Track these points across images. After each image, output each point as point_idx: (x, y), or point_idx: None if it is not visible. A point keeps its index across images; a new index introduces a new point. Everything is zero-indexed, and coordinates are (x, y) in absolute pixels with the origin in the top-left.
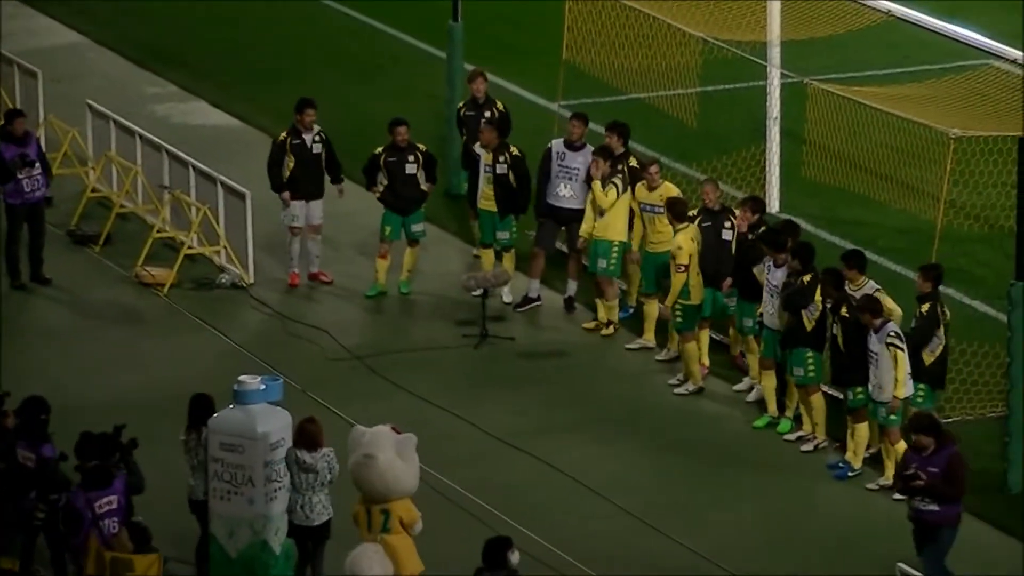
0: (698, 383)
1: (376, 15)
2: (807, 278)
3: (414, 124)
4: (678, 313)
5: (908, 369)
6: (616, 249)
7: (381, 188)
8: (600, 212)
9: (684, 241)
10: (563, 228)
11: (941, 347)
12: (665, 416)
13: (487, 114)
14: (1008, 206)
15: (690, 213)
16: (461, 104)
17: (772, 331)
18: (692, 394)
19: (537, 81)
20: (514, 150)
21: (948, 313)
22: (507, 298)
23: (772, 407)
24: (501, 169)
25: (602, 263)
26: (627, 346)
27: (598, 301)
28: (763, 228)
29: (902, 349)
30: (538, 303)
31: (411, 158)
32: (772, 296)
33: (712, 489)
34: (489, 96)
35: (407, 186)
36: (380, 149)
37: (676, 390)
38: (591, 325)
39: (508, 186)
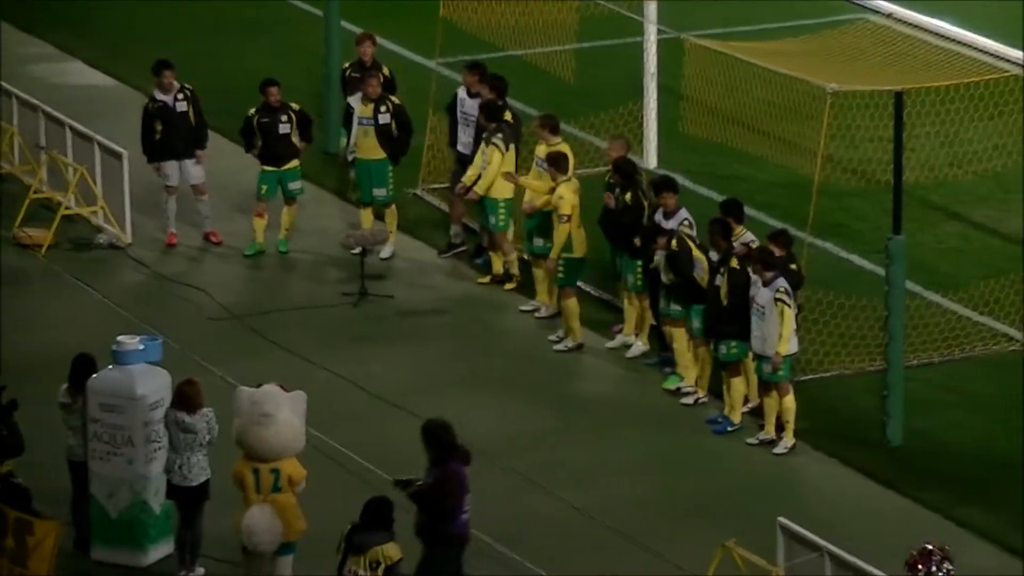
0: (577, 340)
1: None
2: (675, 244)
3: (293, 83)
4: (560, 267)
5: (794, 326)
6: (503, 206)
7: (257, 149)
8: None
9: (566, 192)
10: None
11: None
12: (546, 372)
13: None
14: (885, 160)
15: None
16: (347, 65)
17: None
18: (572, 351)
19: (415, 39)
20: (395, 99)
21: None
22: (385, 254)
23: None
24: (384, 119)
25: (491, 219)
26: (521, 307)
27: (492, 255)
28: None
29: (789, 305)
30: (462, 248)
31: (284, 118)
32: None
33: (593, 445)
34: (376, 60)
35: (280, 144)
36: (253, 110)
37: (556, 347)
38: (486, 279)
39: (391, 135)
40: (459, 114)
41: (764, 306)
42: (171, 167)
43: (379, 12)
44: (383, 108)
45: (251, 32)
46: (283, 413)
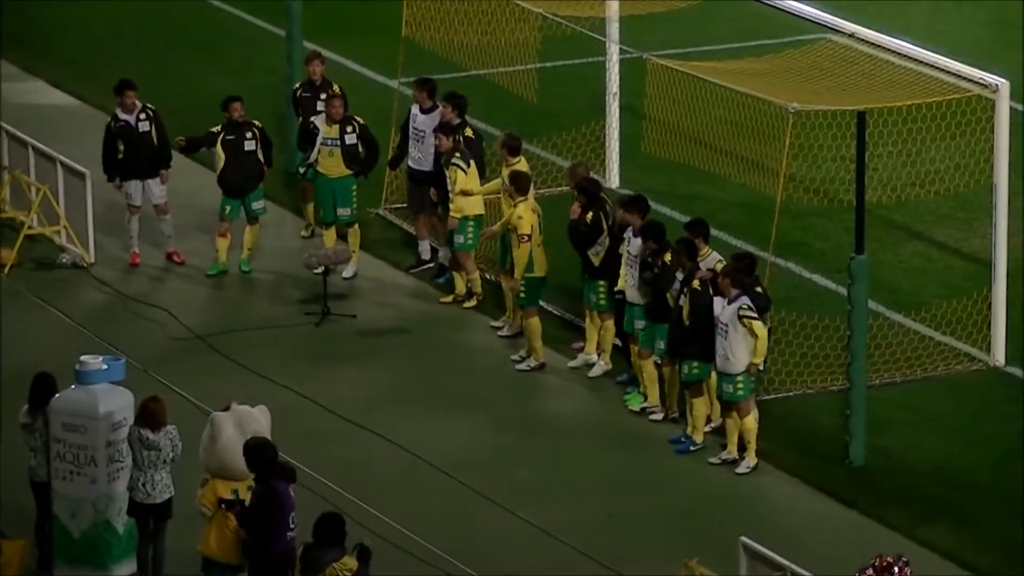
0: (540, 359)
1: None
2: (667, 257)
3: (252, 100)
4: (522, 287)
5: (763, 332)
6: (471, 224)
7: (219, 165)
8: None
9: (524, 212)
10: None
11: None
12: (508, 392)
13: (323, 96)
14: (847, 180)
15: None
16: (297, 85)
17: (633, 305)
18: (534, 370)
19: (377, 58)
20: (359, 119)
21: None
22: (348, 274)
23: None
24: (350, 140)
25: (459, 239)
26: (492, 323)
27: (455, 274)
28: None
29: (756, 318)
30: (430, 264)
31: (248, 134)
32: (632, 267)
33: (554, 464)
34: (326, 78)
35: (247, 163)
36: (217, 128)
37: (518, 366)
38: (448, 299)
39: (357, 156)
40: (411, 130)
41: (727, 324)
42: (134, 187)
43: (341, 31)
44: (349, 128)
45: (209, 51)
46: (264, 428)
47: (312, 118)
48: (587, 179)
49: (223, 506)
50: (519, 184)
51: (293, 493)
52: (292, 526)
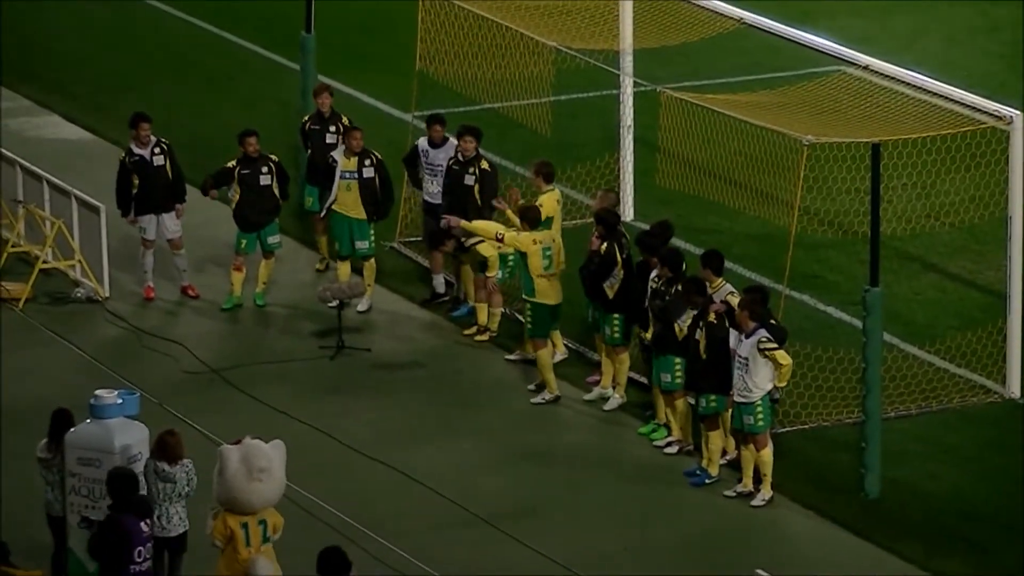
0: (554, 391)
1: (225, 26)
2: (680, 287)
3: (266, 134)
4: (529, 317)
5: (789, 360)
6: (511, 257)
7: (233, 200)
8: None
9: (523, 238)
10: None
11: None
12: (522, 425)
13: (332, 128)
14: (862, 212)
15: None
16: (306, 118)
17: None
18: (549, 403)
19: (390, 91)
20: (377, 154)
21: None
22: (362, 308)
23: (661, 414)
24: (368, 173)
25: (499, 272)
26: (507, 357)
27: (477, 306)
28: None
29: (777, 348)
30: (445, 298)
31: (264, 168)
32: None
33: (568, 497)
34: (335, 110)
35: (262, 197)
36: (233, 162)
37: (533, 399)
38: (472, 331)
39: (375, 190)
40: (424, 165)
41: (747, 358)
42: (148, 221)
43: (355, 64)
44: (367, 162)
45: (222, 85)
46: (275, 464)
47: (331, 152)
48: (607, 210)
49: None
50: (529, 217)
51: (147, 528)
52: (138, 560)
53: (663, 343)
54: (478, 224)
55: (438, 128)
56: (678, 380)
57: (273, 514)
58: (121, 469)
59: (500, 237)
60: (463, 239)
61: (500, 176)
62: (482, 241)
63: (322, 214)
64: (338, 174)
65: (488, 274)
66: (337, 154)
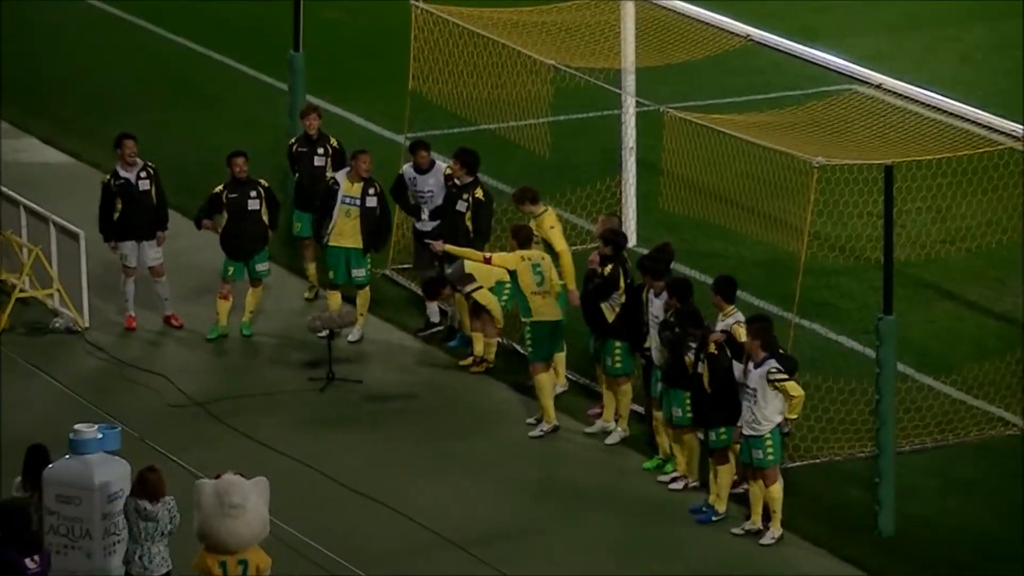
0: (552, 421)
1: (212, 45)
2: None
3: (255, 158)
4: (528, 338)
5: (800, 391)
6: (507, 288)
7: (220, 225)
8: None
9: (512, 258)
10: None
11: None
12: (520, 458)
13: (320, 151)
14: (874, 237)
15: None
16: (293, 141)
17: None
18: (547, 434)
19: (382, 112)
20: (380, 184)
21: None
22: (353, 338)
23: (665, 448)
24: (371, 202)
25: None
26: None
27: (474, 335)
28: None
29: (788, 378)
30: (439, 327)
31: (253, 193)
32: (655, 328)
33: (567, 533)
34: (323, 132)
35: (250, 223)
36: (220, 187)
37: (531, 433)
38: (468, 361)
39: (376, 220)
40: (412, 194)
41: (756, 388)
42: (130, 247)
43: (345, 84)
44: (371, 191)
45: (210, 106)
46: (251, 502)
47: (333, 174)
48: (615, 231)
49: None
50: (520, 236)
51: (33, 565)
52: None
53: (673, 376)
54: (464, 249)
55: (423, 154)
56: (689, 415)
57: (256, 553)
58: (8, 501)
59: (488, 259)
60: (460, 287)
61: (497, 201)
62: (480, 288)
63: (326, 241)
64: (339, 198)
65: (493, 323)
66: (340, 176)
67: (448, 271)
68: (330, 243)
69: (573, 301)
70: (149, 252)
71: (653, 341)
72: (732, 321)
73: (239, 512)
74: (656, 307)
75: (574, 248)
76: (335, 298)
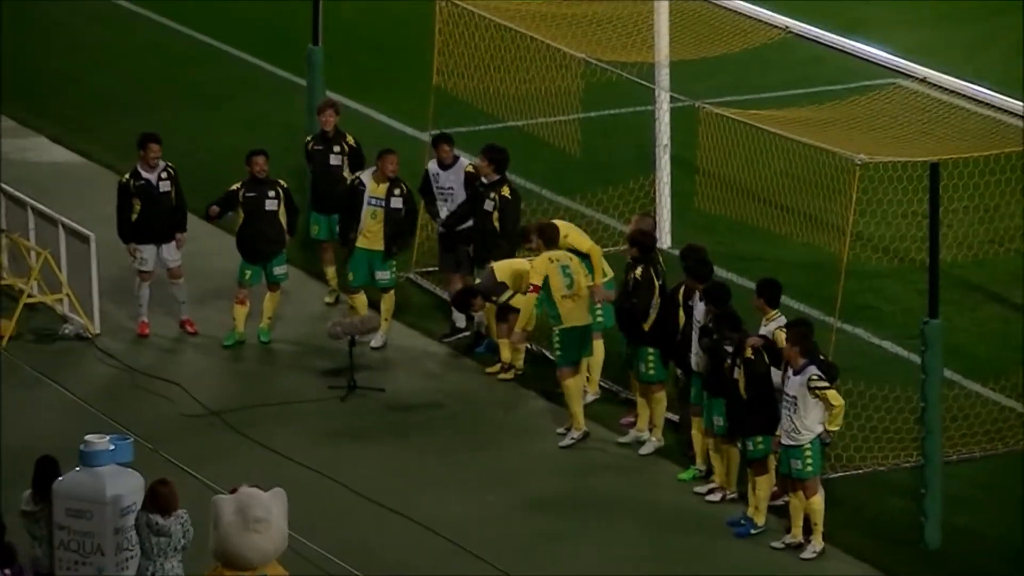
0: (581, 427)
1: (226, 40)
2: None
3: (271, 157)
4: (557, 344)
5: (842, 400)
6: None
7: (236, 224)
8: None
9: (539, 263)
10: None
11: None
12: (550, 469)
13: (336, 149)
14: (919, 237)
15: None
16: (309, 138)
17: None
18: (578, 443)
19: (405, 109)
20: (407, 184)
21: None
22: (376, 344)
23: (702, 458)
24: (396, 203)
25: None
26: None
27: (500, 341)
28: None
29: (828, 387)
30: (466, 332)
31: (271, 193)
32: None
33: (599, 548)
34: (339, 129)
35: (268, 224)
36: (238, 184)
37: (561, 443)
38: (495, 369)
39: (400, 221)
40: (435, 190)
41: (795, 396)
42: (148, 251)
43: (367, 80)
44: (397, 191)
45: (222, 104)
46: (274, 516)
47: (358, 173)
48: (642, 232)
49: None
50: (546, 236)
51: None
52: None
53: (715, 384)
54: (521, 310)
55: (446, 148)
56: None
57: (275, 568)
58: None
59: (535, 288)
60: (493, 296)
61: (525, 200)
62: (514, 295)
63: (352, 240)
64: (365, 199)
65: (525, 328)
66: (366, 177)
67: (478, 281)
68: (356, 244)
69: (597, 295)
70: (167, 254)
71: (694, 347)
72: (775, 326)
73: (264, 527)
74: (700, 312)
75: (606, 250)
76: (361, 300)
